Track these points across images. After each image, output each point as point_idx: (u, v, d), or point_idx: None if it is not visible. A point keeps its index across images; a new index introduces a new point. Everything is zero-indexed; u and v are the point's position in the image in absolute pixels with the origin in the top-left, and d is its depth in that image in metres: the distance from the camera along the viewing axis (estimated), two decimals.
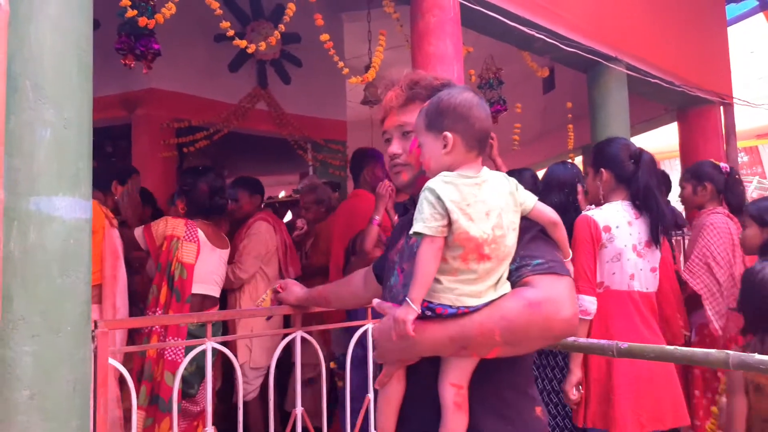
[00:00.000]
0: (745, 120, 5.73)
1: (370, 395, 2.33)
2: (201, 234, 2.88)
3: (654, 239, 2.49)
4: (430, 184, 1.23)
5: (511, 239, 1.22)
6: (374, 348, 1.35)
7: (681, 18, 4.69)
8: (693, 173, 3.14)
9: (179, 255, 2.75)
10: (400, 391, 1.29)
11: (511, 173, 3.56)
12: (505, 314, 1.14)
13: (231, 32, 2.66)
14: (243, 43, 2.66)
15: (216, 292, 2.95)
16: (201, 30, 4.65)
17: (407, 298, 1.18)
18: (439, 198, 1.20)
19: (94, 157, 1.72)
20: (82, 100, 1.64)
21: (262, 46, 2.73)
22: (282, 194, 8.18)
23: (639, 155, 2.54)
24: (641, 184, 2.47)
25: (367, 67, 5.42)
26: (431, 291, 1.21)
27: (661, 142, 6.30)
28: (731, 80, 5.15)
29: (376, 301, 1.33)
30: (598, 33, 3.81)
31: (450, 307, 1.19)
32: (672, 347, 2.09)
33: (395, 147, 1.42)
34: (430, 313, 1.19)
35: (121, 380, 2.53)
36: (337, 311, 2.82)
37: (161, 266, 2.74)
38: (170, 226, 2.82)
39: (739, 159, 5.78)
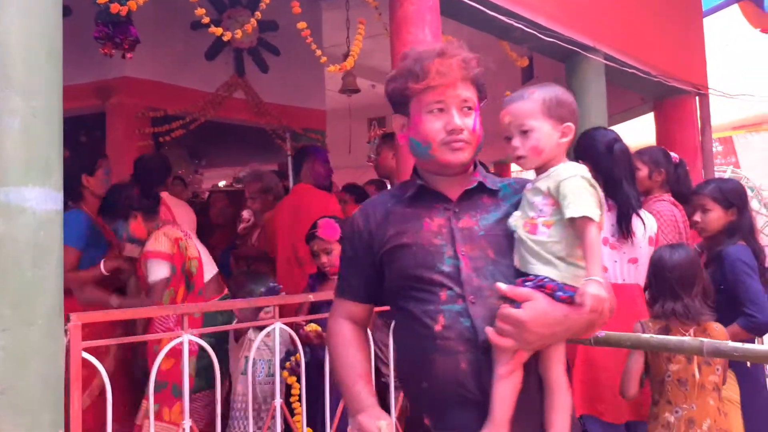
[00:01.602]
0: (720, 112, 5.81)
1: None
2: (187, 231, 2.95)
3: (623, 231, 2.50)
4: (581, 172, 1.33)
5: None
6: (515, 335, 1.24)
7: (658, 9, 4.72)
8: (651, 158, 3.09)
9: (189, 253, 2.82)
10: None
11: None
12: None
13: (206, 19, 2.62)
14: (219, 31, 2.62)
15: (212, 270, 3.00)
16: (177, 17, 4.57)
17: (595, 278, 1.24)
18: (596, 188, 1.31)
19: (67, 147, 1.68)
20: (52, 88, 1.60)
21: (238, 33, 2.69)
22: (222, 183, 7.92)
23: (612, 145, 2.55)
24: (610, 175, 2.48)
25: (346, 56, 5.38)
26: (574, 276, 1.29)
27: (638, 135, 6.37)
28: (707, 71, 5.21)
29: (521, 290, 1.27)
30: (577, 23, 3.82)
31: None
32: (648, 335, 2.12)
33: (459, 120, 1.35)
34: (567, 298, 1.27)
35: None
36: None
37: (176, 269, 2.78)
38: (169, 233, 2.83)
39: (714, 149, 5.86)
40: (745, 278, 2.53)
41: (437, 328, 1.30)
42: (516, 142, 1.38)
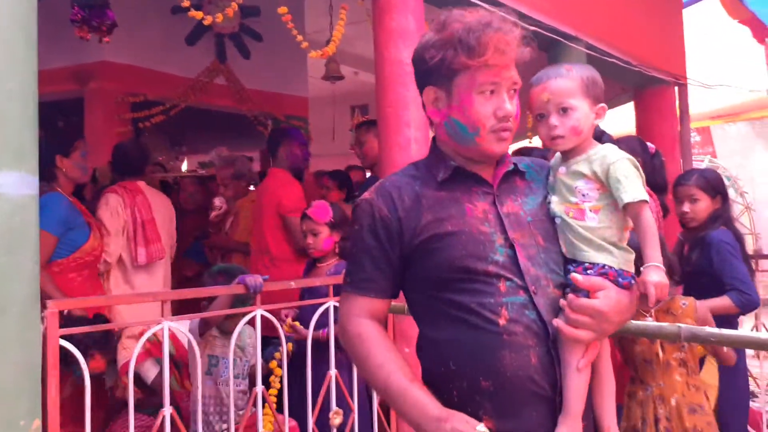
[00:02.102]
0: (698, 102, 5.87)
1: (332, 372, 2.33)
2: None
3: None
4: (625, 155, 1.29)
5: None
6: (577, 324, 1.19)
7: None
8: (627, 147, 3.10)
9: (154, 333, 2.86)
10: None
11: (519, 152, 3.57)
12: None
13: (187, 2, 2.57)
14: (199, 15, 2.58)
15: None
16: (157, 1, 4.50)
17: (656, 264, 1.21)
18: (640, 170, 1.28)
19: (46, 132, 1.65)
20: (26, 71, 1.56)
21: (219, 18, 2.65)
22: (185, 167, 7.45)
23: (600, 138, 2.57)
24: None
25: (328, 42, 5.35)
26: (626, 261, 1.27)
27: (619, 125, 6.43)
28: (686, 61, 5.26)
29: (596, 279, 1.21)
30: (559, 12, 3.83)
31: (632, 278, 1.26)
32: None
33: (510, 105, 1.24)
34: (628, 284, 1.24)
35: None
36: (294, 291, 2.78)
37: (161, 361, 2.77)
38: (133, 334, 2.79)
39: (692, 139, 5.93)
40: (732, 259, 2.62)
41: (502, 322, 1.19)
42: (554, 120, 1.30)
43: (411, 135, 2.61)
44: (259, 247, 3.47)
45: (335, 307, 2.30)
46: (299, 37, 2.89)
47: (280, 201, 3.38)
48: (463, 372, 1.21)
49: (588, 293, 1.20)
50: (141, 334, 2.61)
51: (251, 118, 5.37)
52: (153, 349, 2.68)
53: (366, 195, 1.32)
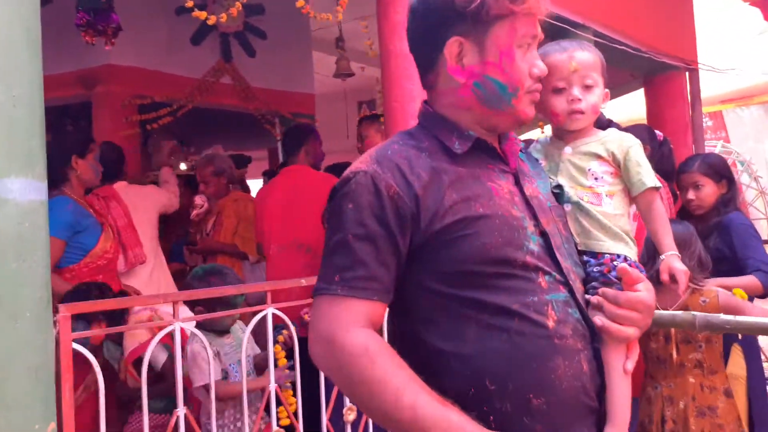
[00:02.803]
0: (709, 86, 5.79)
1: None
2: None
3: None
4: (635, 140, 1.25)
5: None
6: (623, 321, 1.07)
7: None
8: (636, 135, 3.07)
9: (159, 313, 2.79)
10: None
11: None
12: None
13: (191, 3, 2.57)
14: (203, 15, 2.58)
15: None
16: (161, 3, 4.51)
17: (675, 252, 1.19)
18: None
19: (53, 136, 1.65)
20: (32, 76, 1.56)
21: (223, 17, 2.64)
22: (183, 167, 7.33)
23: (608, 126, 2.55)
24: None
25: (338, 39, 5.33)
26: (635, 252, 1.20)
27: (629, 111, 6.36)
28: (696, 46, 5.19)
29: (638, 272, 1.10)
30: (566, 0, 3.78)
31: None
32: None
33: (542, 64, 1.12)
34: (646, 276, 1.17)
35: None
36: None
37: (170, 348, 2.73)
38: (137, 319, 2.75)
39: (704, 124, 5.86)
40: (754, 240, 2.58)
41: (550, 324, 1.01)
42: (578, 93, 1.22)
43: None
44: (295, 242, 3.34)
45: None
46: (307, 7, 2.82)
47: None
48: (506, 390, 0.98)
49: (621, 287, 1.09)
50: (149, 319, 2.67)
51: (258, 117, 5.37)
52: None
53: (361, 165, 1.05)
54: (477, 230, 1.01)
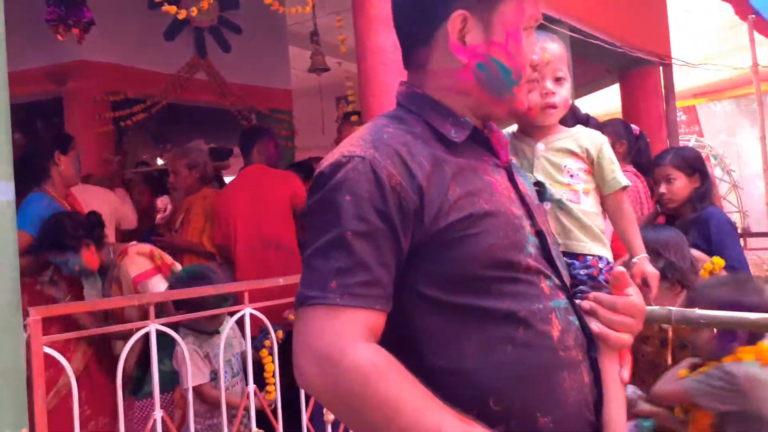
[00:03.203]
0: (682, 80, 5.88)
1: None
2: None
3: None
4: (604, 137, 1.21)
5: None
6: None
7: None
8: (612, 130, 3.05)
9: (167, 259, 2.81)
10: None
11: None
12: None
13: None
14: (173, 9, 2.53)
15: None
16: None
17: (644, 255, 1.14)
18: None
19: (24, 134, 1.61)
20: None
21: (194, 11, 2.60)
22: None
23: (586, 121, 2.56)
24: None
25: (313, 34, 5.29)
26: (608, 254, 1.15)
27: (604, 106, 6.42)
28: (670, 41, 5.25)
29: (619, 270, 1.00)
30: None
31: None
32: None
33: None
34: None
35: None
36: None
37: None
38: (139, 250, 2.77)
39: (678, 118, 5.94)
40: (732, 238, 2.58)
41: (555, 333, 0.91)
42: (551, 86, 1.17)
43: None
44: (262, 240, 3.41)
45: None
46: (275, 4, 2.80)
47: (295, 193, 3.45)
48: (512, 409, 0.88)
49: (609, 291, 1.03)
50: (150, 253, 2.70)
51: (234, 113, 5.31)
52: (163, 267, 2.69)
53: (354, 149, 0.89)
54: (483, 229, 0.89)
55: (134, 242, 2.88)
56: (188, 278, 2.46)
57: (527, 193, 1.02)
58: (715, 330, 1.65)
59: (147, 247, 2.80)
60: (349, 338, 0.83)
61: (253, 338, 2.18)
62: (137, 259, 2.69)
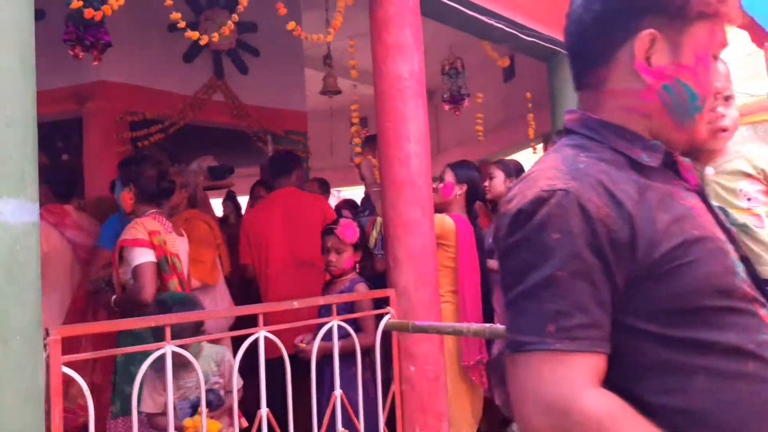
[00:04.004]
0: None
1: (337, 392, 2.31)
2: (168, 224, 2.77)
3: None
4: None
5: None
6: None
7: None
8: None
9: (169, 248, 2.64)
10: None
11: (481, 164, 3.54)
12: None
13: (182, 23, 2.58)
14: (195, 35, 2.58)
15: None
16: (153, 19, 4.50)
17: None
18: None
19: (44, 152, 1.65)
20: (25, 97, 1.56)
21: (215, 37, 2.65)
22: None
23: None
24: None
25: (326, 57, 5.37)
26: None
27: None
28: None
29: None
30: (557, 22, 3.83)
31: None
32: None
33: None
34: None
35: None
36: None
37: (163, 260, 2.62)
38: (146, 224, 2.64)
39: None
40: None
41: None
42: (722, 109, 1.11)
43: (411, 149, 2.60)
44: (294, 260, 3.51)
45: (339, 326, 2.29)
46: (303, 35, 2.87)
47: (325, 215, 3.55)
48: None
49: None
50: (154, 233, 2.63)
51: (250, 134, 5.37)
52: (158, 248, 2.62)
53: (555, 183, 0.84)
54: (696, 257, 0.82)
55: (153, 212, 2.77)
56: (172, 304, 2.31)
57: (717, 215, 0.93)
58: None
59: (155, 226, 2.67)
60: (578, 385, 0.78)
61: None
62: (138, 226, 2.64)
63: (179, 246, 2.79)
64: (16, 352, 1.46)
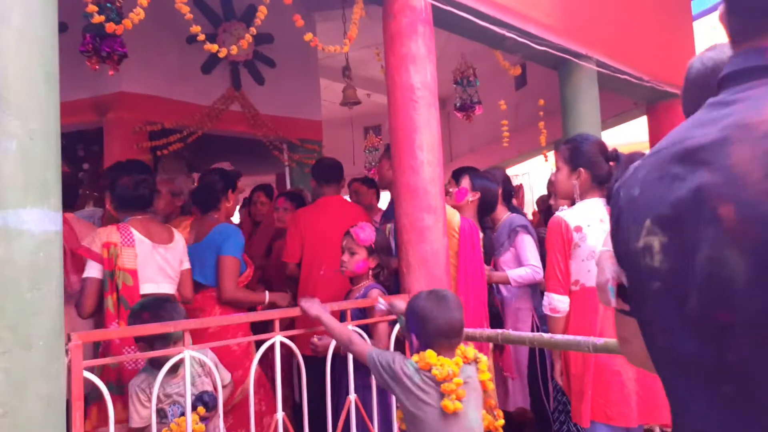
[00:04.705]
0: None
1: (351, 397, 2.34)
2: (137, 234, 2.65)
3: None
4: None
5: None
6: None
7: (648, 13, 4.75)
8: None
9: (120, 262, 2.54)
10: None
11: (482, 173, 3.56)
12: None
13: (202, 36, 2.64)
14: (214, 48, 2.64)
15: (172, 288, 2.78)
16: (172, 31, 4.60)
17: None
18: None
19: (66, 162, 1.70)
20: (49, 110, 1.62)
21: (234, 50, 2.71)
22: None
23: (616, 156, 2.59)
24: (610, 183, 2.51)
25: (345, 68, 5.43)
26: None
27: (629, 137, 6.40)
28: None
29: None
30: (568, 31, 3.85)
31: None
32: None
33: None
34: None
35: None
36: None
37: (107, 275, 2.53)
38: (103, 234, 2.59)
39: None
40: None
41: None
42: None
43: (423, 158, 2.64)
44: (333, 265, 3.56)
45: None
46: (320, 45, 2.94)
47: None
48: None
49: None
50: (106, 245, 2.53)
51: (267, 143, 5.45)
52: (107, 262, 2.54)
53: None
54: None
55: (138, 218, 2.71)
56: (139, 311, 2.27)
57: None
58: None
59: (112, 238, 2.57)
60: None
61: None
62: (97, 236, 2.57)
63: (148, 257, 2.66)
64: (39, 357, 1.51)
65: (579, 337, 2.10)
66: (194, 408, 2.01)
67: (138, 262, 2.58)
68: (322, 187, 3.83)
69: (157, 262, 2.68)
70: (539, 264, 3.28)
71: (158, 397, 2.03)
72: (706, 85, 0.99)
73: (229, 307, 3.02)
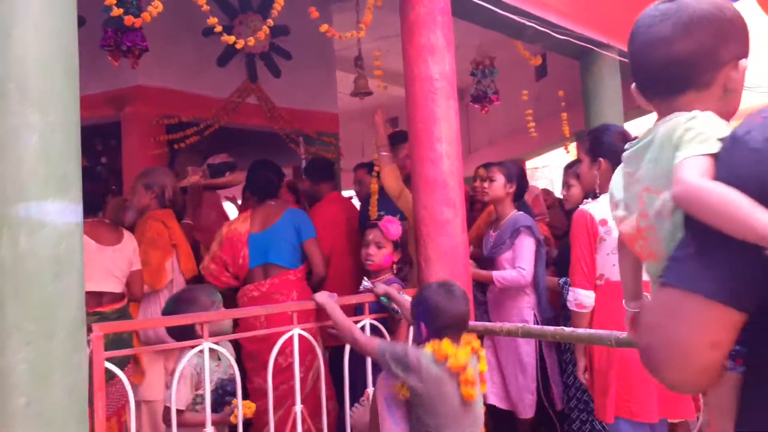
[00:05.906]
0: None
1: (369, 390, 2.33)
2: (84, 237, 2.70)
3: None
4: None
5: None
6: None
7: None
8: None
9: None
10: None
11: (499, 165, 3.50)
12: None
13: (219, 28, 2.62)
14: (231, 39, 2.62)
15: (117, 287, 2.82)
16: (188, 24, 4.60)
17: None
18: None
19: (84, 155, 1.70)
20: (69, 102, 1.62)
21: (251, 41, 2.70)
22: None
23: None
24: None
25: (357, 58, 5.40)
26: None
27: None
28: None
29: None
30: (590, 20, 3.79)
31: None
32: None
33: None
34: None
35: None
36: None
37: None
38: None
39: None
40: None
41: None
42: None
43: (442, 150, 2.61)
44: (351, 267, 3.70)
45: (371, 325, 2.31)
46: (337, 35, 2.94)
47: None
48: None
49: None
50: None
51: (283, 136, 5.44)
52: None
53: None
54: None
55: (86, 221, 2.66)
56: (175, 302, 2.31)
57: None
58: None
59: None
60: None
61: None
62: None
63: (92, 257, 2.61)
64: (62, 348, 1.52)
65: (602, 331, 2.07)
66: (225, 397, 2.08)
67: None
68: (319, 185, 3.90)
69: (101, 262, 2.80)
70: (528, 268, 3.12)
71: (196, 384, 2.12)
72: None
73: (308, 289, 3.17)
